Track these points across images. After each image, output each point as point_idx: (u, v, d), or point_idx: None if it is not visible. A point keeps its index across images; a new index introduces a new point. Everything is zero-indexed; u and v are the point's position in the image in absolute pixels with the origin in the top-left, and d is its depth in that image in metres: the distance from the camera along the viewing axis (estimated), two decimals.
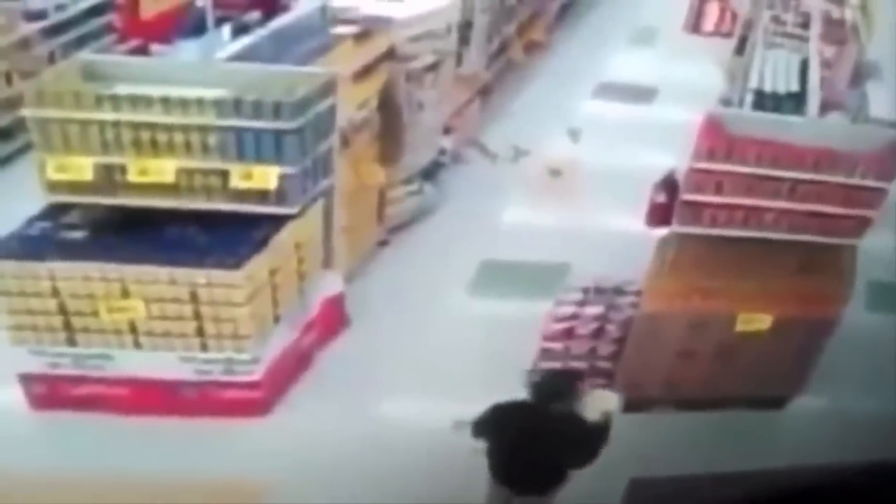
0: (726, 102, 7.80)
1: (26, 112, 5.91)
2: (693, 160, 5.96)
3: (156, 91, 5.89)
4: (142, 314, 6.04)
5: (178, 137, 5.94)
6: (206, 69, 6.43)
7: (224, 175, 6.06)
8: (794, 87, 7.26)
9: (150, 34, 6.67)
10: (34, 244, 5.99)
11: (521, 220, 9.24)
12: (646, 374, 6.62)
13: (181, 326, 6.11)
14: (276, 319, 6.49)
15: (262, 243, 6.16)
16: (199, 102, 5.90)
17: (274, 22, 7.60)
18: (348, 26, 7.83)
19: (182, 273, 5.93)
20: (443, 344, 7.24)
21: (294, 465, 6.06)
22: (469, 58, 10.22)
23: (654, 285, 6.39)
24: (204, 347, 6.20)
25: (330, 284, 7.20)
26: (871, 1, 8.67)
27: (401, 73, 8.19)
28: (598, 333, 6.70)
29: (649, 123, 11.25)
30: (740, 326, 6.37)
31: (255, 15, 7.56)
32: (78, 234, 6.09)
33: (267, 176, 6.07)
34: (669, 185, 6.23)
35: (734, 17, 12.46)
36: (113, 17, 10.64)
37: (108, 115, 5.86)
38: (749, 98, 7.10)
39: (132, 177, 5.98)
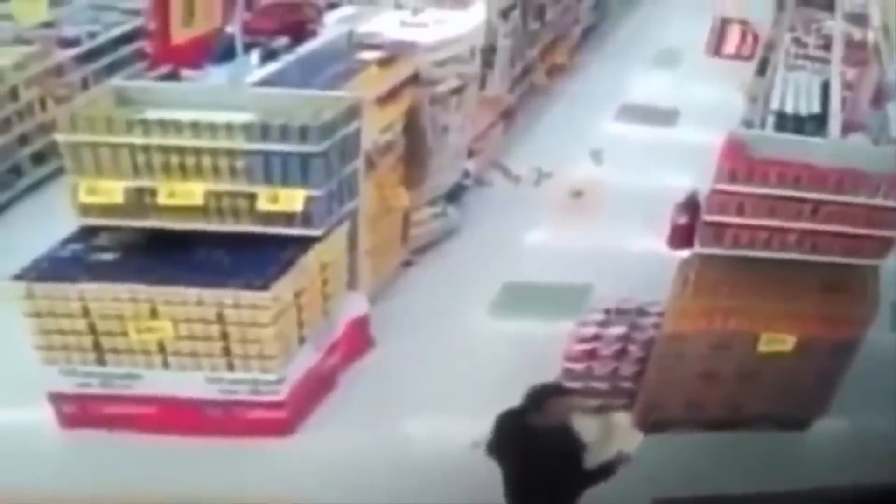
0: (748, 124, 7.79)
1: (59, 137, 6.06)
2: (715, 181, 5.96)
3: (185, 116, 6.03)
4: (170, 334, 6.11)
5: (207, 161, 6.06)
6: (234, 94, 6.53)
7: (251, 198, 6.16)
8: (816, 108, 7.27)
9: (180, 60, 6.78)
10: (66, 266, 6.10)
11: (544, 242, 9.28)
12: (668, 394, 6.60)
13: (208, 347, 6.18)
14: (302, 340, 6.54)
15: (289, 265, 6.23)
16: (228, 127, 6.02)
17: (301, 48, 7.73)
18: (373, 52, 7.96)
19: (210, 294, 6.00)
20: (466, 365, 7.26)
21: (318, 484, 6.09)
22: (493, 81, 10.28)
23: (676, 306, 6.38)
24: (230, 367, 6.27)
25: (354, 306, 7.25)
26: (893, 23, 8.66)
27: (425, 97, 8.27)
28: (621, 354, 6.69)
29: (671, 145, 11.30)
30: (763, 347, 6.33)
31: (282, 41, 7.68)
32: (108, 256, 6.20)
33: (293, 199, 6.16)
34: (691, 206, 6.24)
35: (755, 39, 12.45)
36: (144, 44, 10.83)
37: (138, 140, 6.00)
38: (771, 119, 7.11)
39: (162, 199, 6.10)
